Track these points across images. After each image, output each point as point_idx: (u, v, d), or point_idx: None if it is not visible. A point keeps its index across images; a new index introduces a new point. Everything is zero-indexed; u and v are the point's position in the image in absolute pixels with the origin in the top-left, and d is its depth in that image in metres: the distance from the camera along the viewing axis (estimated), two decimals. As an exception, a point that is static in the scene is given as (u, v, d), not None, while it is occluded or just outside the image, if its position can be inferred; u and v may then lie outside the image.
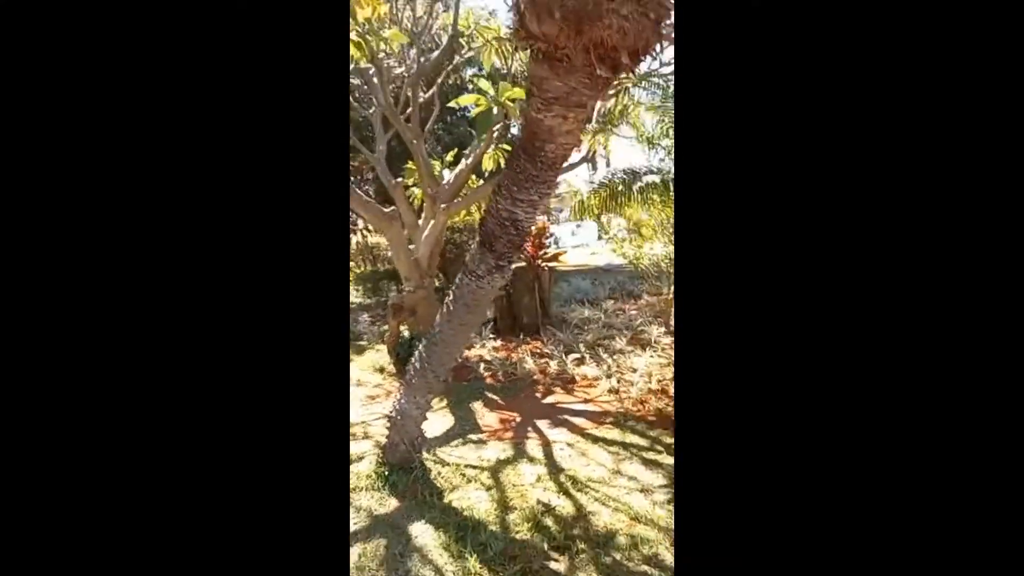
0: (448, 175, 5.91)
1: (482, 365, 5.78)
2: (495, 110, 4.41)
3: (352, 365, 6.14)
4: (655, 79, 5.40)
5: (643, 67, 5.26)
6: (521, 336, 6.80)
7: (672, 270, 7.00)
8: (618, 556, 2.55)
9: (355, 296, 10.27)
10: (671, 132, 5.25)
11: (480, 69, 11.00)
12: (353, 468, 3.47)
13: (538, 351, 6.22)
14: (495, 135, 5.35)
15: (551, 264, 7.59)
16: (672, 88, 5.22)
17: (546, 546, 2.64)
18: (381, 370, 5.81)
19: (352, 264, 10.55)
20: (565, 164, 2.36)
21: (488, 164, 5.72)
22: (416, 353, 3.11)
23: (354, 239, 10.87)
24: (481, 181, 6.44)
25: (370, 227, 10.82)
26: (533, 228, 2.62)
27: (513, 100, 3.95)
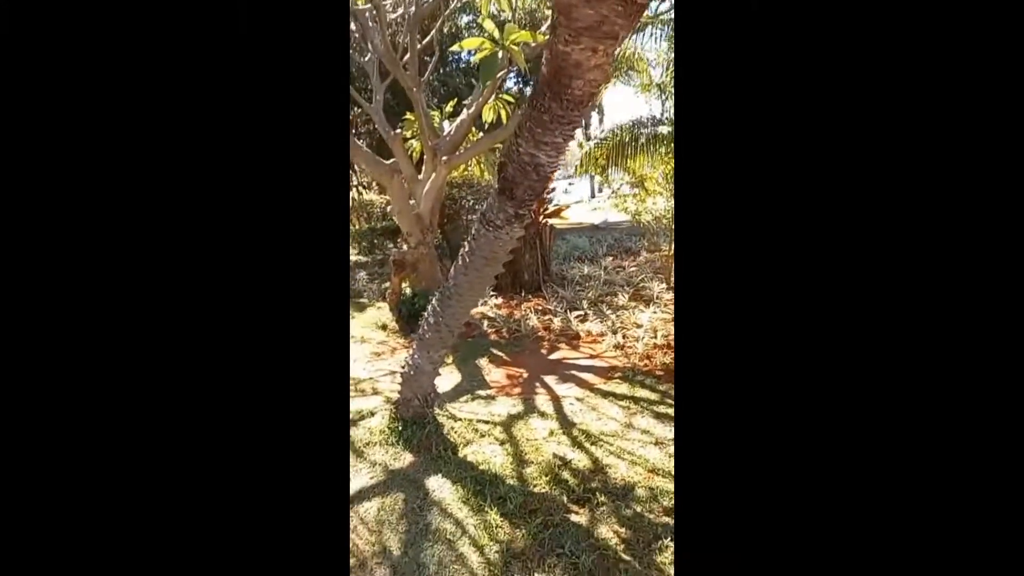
0: (448, 126, 5.68)
1: (485, 322, 5.73)
2: (500, 55, 4.20)
3: (353, 322, 6.06)
4: (662, 23, 5.17)
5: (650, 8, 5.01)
6: (523, 293, 6.73)
7: (674, 226, 6.91)
8: (638, 508, 2.54)
9: (352, 254, 10.09)
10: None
11: (475, 16, 10.54)
12: (365, 423, 3.43)
13: (540, 308, 6.16)
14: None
15: (552, 220, 7.46)
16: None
17: (565, 499, 2.63)
18: (384, 327, 5.74)
19: (346, 222, 10.28)
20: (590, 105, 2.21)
21: (488, 115, 5.50)
22: (429, 307, 3.01)
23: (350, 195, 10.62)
24: (481, 134, 6.22)
25: (364, 183, 10.55)
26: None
27: (518, 44, 3.73)
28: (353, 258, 9.92)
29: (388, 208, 5.83)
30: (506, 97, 5.59)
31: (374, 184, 10.67)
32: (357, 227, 9.78)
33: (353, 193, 10.50)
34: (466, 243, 2.72)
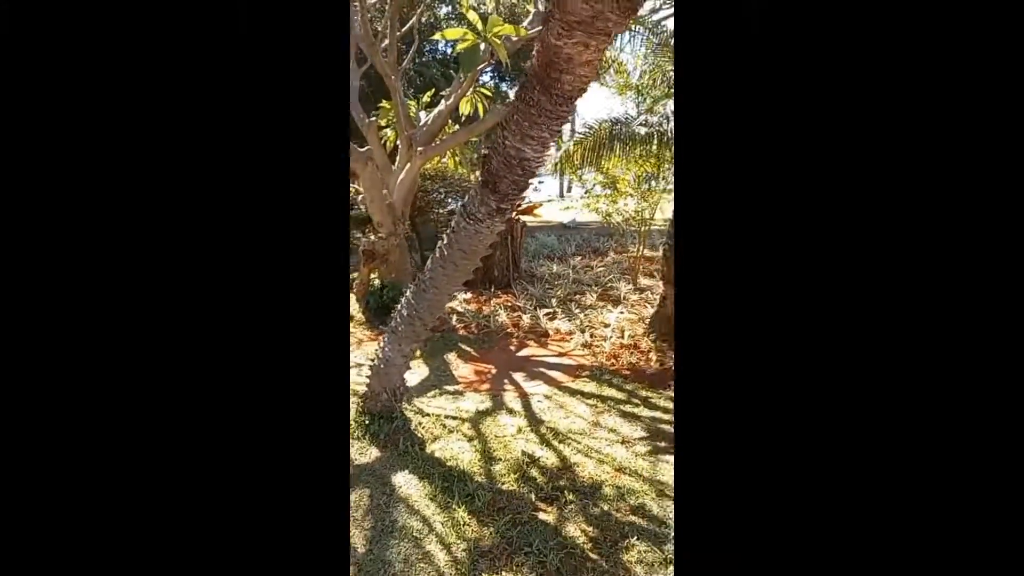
0: (424, 117, 5.58)
1: (454, 317, 5.67)
2: (482, 47, 4.14)
3: (318, 312, 5.90)
4: (643, 25, 5.20)
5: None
6: (492, 289, 6.68)
7: (642, 228, 7.00)
8: (606, 507, 2.55)
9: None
10: (658, 81, 5.08)
11: (454, 7, 10.42)
12: (331, 417, 3.34)
13: (510, 304, 6.13)
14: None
15: (524, 217, 7.44)
16: (664, 34, 5.03)
17: (533, 497, 2.62)
18: (350, 318, 5.61)
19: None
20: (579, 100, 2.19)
21: (465, 108, 5.43)
22: (403, 300, 2.95)
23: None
24: (457, 126, 6.14)
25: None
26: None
27: (500, 37, 3.69)
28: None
29: (359, 198, 5.67)
30: (484, 91, 5.54)
31: (342, 171, 10.41)
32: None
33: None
34: (444, 235, 2.67)
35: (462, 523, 2.42)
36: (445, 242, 2.64)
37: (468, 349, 4.91)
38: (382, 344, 3.11)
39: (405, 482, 2.71)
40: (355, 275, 5.95)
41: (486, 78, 10.38)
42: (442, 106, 5.35)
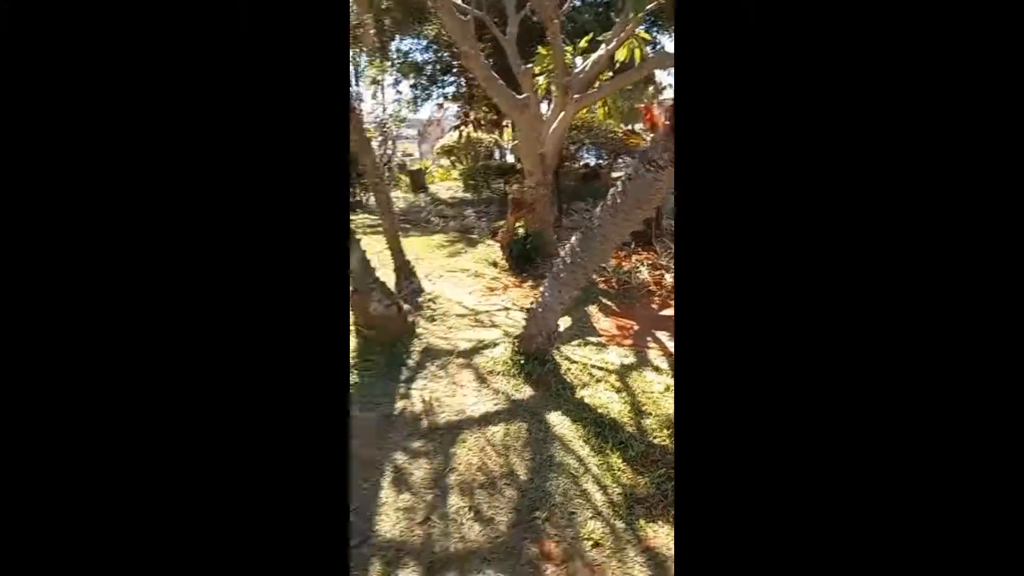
0: (580, 63, 5.44)
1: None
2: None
3: (465, 257, 6.20)
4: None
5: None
6: (632, 245, 6.53)
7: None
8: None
9: (459, 192, 10.27)
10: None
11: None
12: (489, 353, 3.53)
13: (651, 262, 5.96)
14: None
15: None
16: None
17: (687, 455, 2.58)
18: (494, 264, 5.81)
19: (454, 159, 10.42)
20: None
21: (621, 54, 5.20)
22: (567, 247, 2.97)
23: (464, 133, 10.66)
24: (611, 74, 5.92)
25: (477, 120, 10.52)
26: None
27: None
28: (460, 195, 10.08)
29: (510, 145, 5.75)
30: (643, 35, 5.25)
31: (482, 122, 10.63)
32: (465, 164, 9.85)
33: (468, 130, 10.50)
34: (619, 183, 2.61)
35: (616, 469, 2.46)
36: (619, 190, 2.59)
37: (609, 303, 4.89)
38: (543, 289, 3.18)
39: (559, 422, 2.81)
40: (501, 223, 6.13)
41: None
42: (601, 51, 5.17)
